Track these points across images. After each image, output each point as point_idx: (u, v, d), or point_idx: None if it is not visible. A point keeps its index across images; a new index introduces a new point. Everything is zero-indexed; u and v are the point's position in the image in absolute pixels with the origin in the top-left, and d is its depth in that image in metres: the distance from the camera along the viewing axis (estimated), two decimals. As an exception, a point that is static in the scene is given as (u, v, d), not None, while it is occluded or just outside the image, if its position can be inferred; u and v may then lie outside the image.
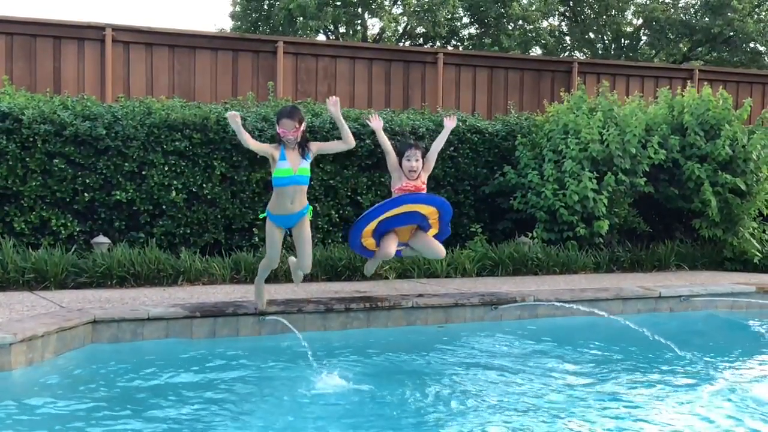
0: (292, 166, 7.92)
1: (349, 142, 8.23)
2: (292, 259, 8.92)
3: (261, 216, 8.04)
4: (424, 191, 8.91)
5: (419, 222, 8.84)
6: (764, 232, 14.82)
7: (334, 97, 8.28)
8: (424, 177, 8.97)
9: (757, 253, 14.14)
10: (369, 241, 8.94)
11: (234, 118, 7.78)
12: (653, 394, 6.80)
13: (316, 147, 8.24)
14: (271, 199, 8.15)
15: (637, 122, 13.48)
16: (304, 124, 7.98)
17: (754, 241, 14.26)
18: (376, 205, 8.59)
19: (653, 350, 8.22)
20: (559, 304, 9.83)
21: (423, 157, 8.98)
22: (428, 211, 8.75)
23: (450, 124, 9.52)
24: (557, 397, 6.65)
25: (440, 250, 9.08)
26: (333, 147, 8.83)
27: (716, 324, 10.41)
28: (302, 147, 8.02)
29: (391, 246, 8.77)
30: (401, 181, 8.87)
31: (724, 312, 10.79)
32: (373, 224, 8.61)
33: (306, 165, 8.01)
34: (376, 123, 9.22)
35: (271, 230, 8.13)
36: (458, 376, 7.37)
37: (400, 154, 8.97)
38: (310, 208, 8.18)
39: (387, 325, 9.20)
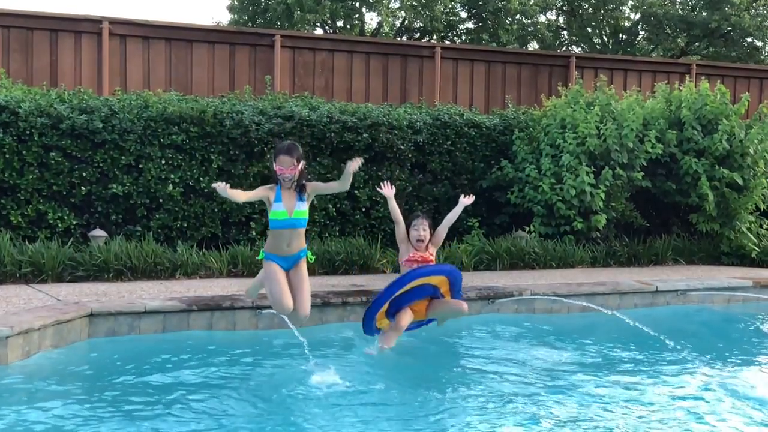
0: (287, 209, 7.27)
1: (346, 187, 7.55)
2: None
3: (259, 258, 7.62)
4: (432, 263, 8.40)
5: (431, 294, 8.25)
6: (761, 226, 14.84)
7: (358, 159, 7.33)
8: (433, 249, 8.47)
9: (754, 248, 14.15)
10: (384, 323, 8.33)
11: (220, 187, 6.85)
12: (648, 388, 6.80)
13: (312, 188, 7.47)
14: (268, 239, 7.54)
15: (635, 117, 13.48)
16: (302, 163, 7.29)
17: (750, 236, 14.28)
18: (385, 287, 8.06)
19: (650, 344, 8.22)
20: (556, 298, 9.83)
21: (431, 228, 8.44)
22: (438, 281, 8.28)
23: (466, 201, 8.74)
24: (551, 389, 6.64)
25: (462, 305, 8.24)
26: (329, 188, 8.50)
27: (713, 318, 10.41)
28: (299, 187, 7.34)
29: (406, 320, 8.26)
30: (408, 252, 8.35)
31: (720, 306, 10.80)
32: (385, 306, 8.03)
33: (303, 207, 7.35)
34: (388, 191, 8.51)
35: (269, 267, 7.40)
36: (455, 370, 7.39)
37: (408, 225, 8.45)
38: (309, 253, 7.53)
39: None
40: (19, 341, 7.02)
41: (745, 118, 15.10)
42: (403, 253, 8.42)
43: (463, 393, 6.57)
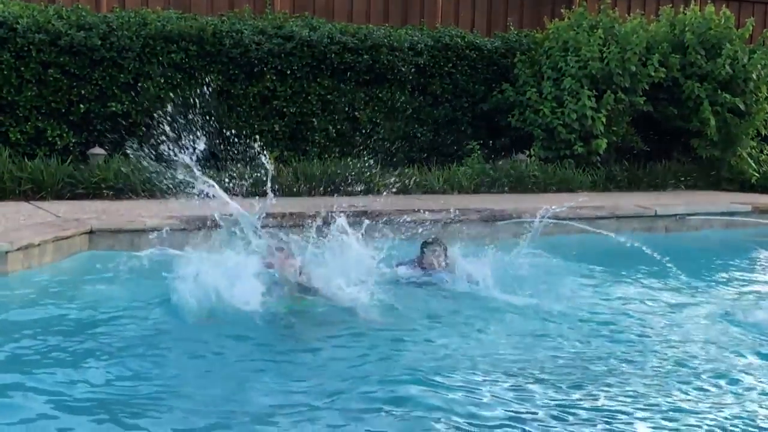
0: None
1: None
2: None
3: None
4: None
5: None
6: (762, 152, 14.80)
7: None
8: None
9: (755, 174, 14.13)
10: None
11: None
12: (645, 310, 6.84)
13: None
14: None
15: (638, 40, 13.34)
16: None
17: (751, 161, 14.25)
18: None
19: (648, 267, 8.25)
20: (555, 221, 9.82)
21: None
22: None
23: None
24: (549, 312, 6.66)
25: None
26: None
27: (711, 243, 10.44)
28: None
29: None
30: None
31: (719, 231, 10.81)
32: None
33: None
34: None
35: None
36: (453, 291, 7.38)
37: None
38: None
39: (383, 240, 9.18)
40: (19, 257, 7.03)
41: (749, 43, 14.94)
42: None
43: (464, 317, 6.57)
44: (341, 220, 6.72)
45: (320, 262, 6.68)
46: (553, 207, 8.24)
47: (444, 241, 7.72)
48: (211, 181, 6.75)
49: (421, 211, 9.71)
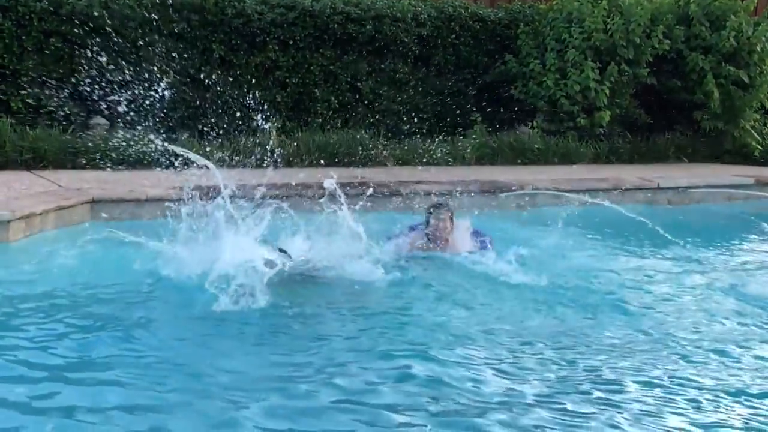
0: None
1: None
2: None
3: None
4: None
5: None
6: (765, 124, 14.77)
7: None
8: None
9: (758, 146, 14.11)
10: None
11: None
12: (646, 281, 6.84)
13: None
14: None
15: (643, 11, 13.28)
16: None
17: (754, 134, 14.22)
18: None
19: (649, 239, 8.23)
20: (558, 193, 9.81)
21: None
22: None
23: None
24: (550, 284, 6.65)
25: None
26: None
27: (713, 215, 10.43)
28: None
29: None
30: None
31: (722, 203, 10.80)
32: None
33: None
34: None
35: None
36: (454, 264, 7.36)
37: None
38: None
39: (386, 211, 9.18)
40: (21, 225, 7.03)
41: (753, 15, 14.87)
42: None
43: (463, 289, 6.57)
44: (334, 187, 6.62)
45: (322, 240, 6.63)
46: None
47: (450, 205, 7.52)
48: (204, 160, 6.66)
49: (424, 182, 9.72)
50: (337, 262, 6.46)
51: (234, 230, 6.24)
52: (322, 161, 11.34)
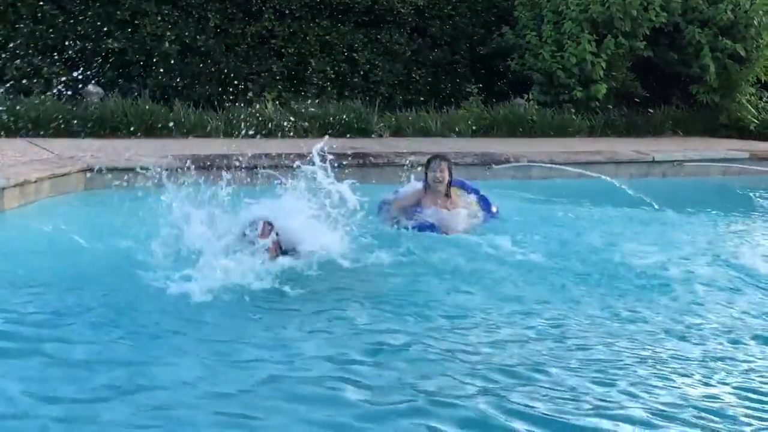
0: None
1: None
2: None
3: None
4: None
5: None
6: (761, 99, 14.75)
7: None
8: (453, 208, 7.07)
9: (753, 120, 14.09)
10: None
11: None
12: (639, 251, 6.83)
13: None
14: None
15: (640, -16, 13.22)
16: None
17: (750, 108, 14.20)
18: None
19: (643, 212, 8.24)
20: (553, 165, 9.82)
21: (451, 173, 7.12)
22: None
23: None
24: (546, 258, 6.64)
25: None
26: None
27: (708, 188, 10.44)
28: None
29: None
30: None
31: (716, 177, 10.81)
32: None
33: None
34: None
35: None
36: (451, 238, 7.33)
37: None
38: None
39: (380, 182, 9.18)
40: (15, 193, 7.02)
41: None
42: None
43: (464, 258, 6.56)
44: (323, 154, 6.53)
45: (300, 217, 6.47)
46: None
47: (449, 157, 7.47)
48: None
49: (418, 153, 9.71)
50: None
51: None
52: (319, 132, 11.31)
